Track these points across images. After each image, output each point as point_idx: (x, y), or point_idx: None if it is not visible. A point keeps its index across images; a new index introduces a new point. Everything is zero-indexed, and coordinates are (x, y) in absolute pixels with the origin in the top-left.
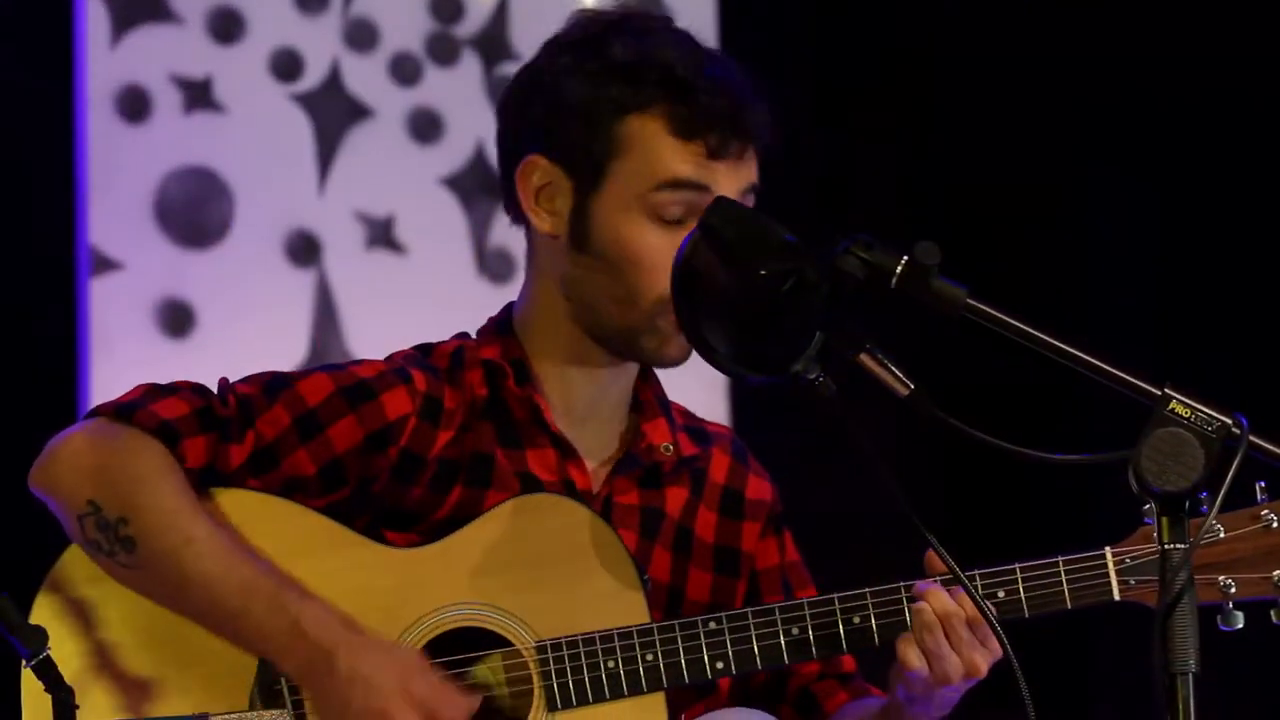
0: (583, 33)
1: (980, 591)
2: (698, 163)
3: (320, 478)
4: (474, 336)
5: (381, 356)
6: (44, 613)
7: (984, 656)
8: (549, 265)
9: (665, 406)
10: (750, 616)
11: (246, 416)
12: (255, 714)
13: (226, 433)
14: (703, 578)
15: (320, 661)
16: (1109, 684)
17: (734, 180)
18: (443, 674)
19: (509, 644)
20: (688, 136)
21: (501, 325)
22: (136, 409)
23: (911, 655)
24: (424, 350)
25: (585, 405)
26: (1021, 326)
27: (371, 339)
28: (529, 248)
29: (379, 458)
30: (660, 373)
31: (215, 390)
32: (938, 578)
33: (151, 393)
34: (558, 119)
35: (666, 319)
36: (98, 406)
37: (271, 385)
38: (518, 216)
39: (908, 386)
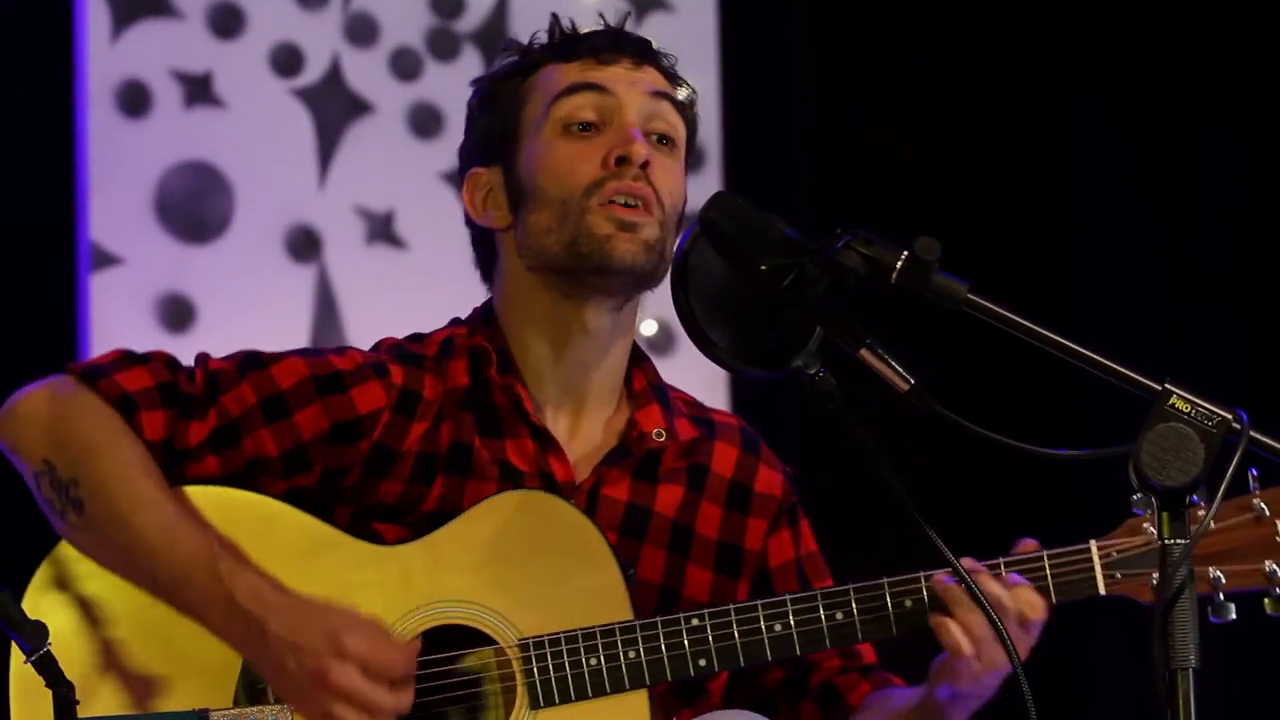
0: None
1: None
2: (587, 68)
3: (284, 460)
4: (464, 320)
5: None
6: (40, 606)
7: (1027, 642)
8: (509, 253)
9: (660, 393)
10: (733, 613)
11: (212, 392)
12: (255, 709)
13: (188, 410)
14: (701, 576)
15: (254, 632)
16: (1107, 683)
17: (633, 83)
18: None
19: (493, 641)
20: (573, 57)
21: (486, 315)
22: (101, 376)
23: (957, 636)
24: (415, 339)
25: (561, 392)
26: (1023, 322)
27: (372, 334)
28: (496, 263)
29: (349, 450)
30: (658, 369)
31: (192, 363)
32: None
33: (121, 360)
34: (477, 129)
35: (591, 216)
36: (68, 365)
37: (245, 363)
38: (481, 255)
39: (908, 381)
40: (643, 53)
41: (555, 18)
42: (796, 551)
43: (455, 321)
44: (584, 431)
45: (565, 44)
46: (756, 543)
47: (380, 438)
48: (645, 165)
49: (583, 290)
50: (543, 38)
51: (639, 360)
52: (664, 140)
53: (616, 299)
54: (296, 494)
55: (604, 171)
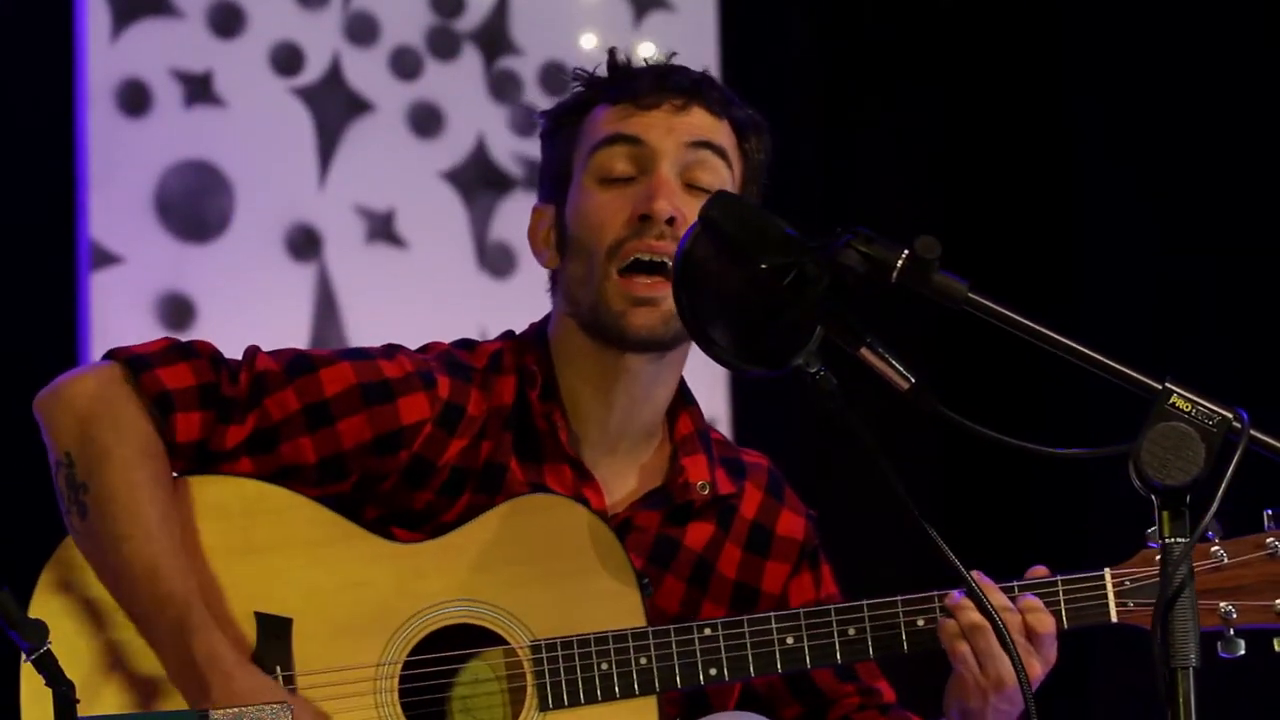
0: None
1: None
2: (627, 116)
3: (320, 468)
4: (517, 335)
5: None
6: (45, 605)
7: (1041, 663)
8: (558, 294)
9: (705, 440)
10: (746, 624)
11: (256, 396)
12: (255, 709)
13: (227, 414)
14: (716, 612)
15: (200, 693)
16: (1109, 685)
17: (670, 130)
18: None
19: (504, 642)
20: (617, 100)
21: (539, 335)
22: (145, 370)
23: (960, 644)
24: (465, 345)
25: (599, 431)
26: (1023, 321)
27: (371, 333)
28: (553, 295)
29: (389, 459)
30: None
31: (240, 359)
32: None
33: (167, 353)
34: (543, 164)
35: (610, 287)
36: (115, 350)
37: (293, 365)
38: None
39: (908, 380)
40: (691, 93)
41: (612, 53)
42: (817, 593)
43: (508, 335)
44: (617, 469)
45: (613, 84)
46: (775, 586)
47: (420, 449)
48: (671, 221)
49: (618, 344)
50: (603, 71)
51: (686, 403)
52: (703, 190)
53: (653, 353)
54: (326, 499)
55: (627, 230)
